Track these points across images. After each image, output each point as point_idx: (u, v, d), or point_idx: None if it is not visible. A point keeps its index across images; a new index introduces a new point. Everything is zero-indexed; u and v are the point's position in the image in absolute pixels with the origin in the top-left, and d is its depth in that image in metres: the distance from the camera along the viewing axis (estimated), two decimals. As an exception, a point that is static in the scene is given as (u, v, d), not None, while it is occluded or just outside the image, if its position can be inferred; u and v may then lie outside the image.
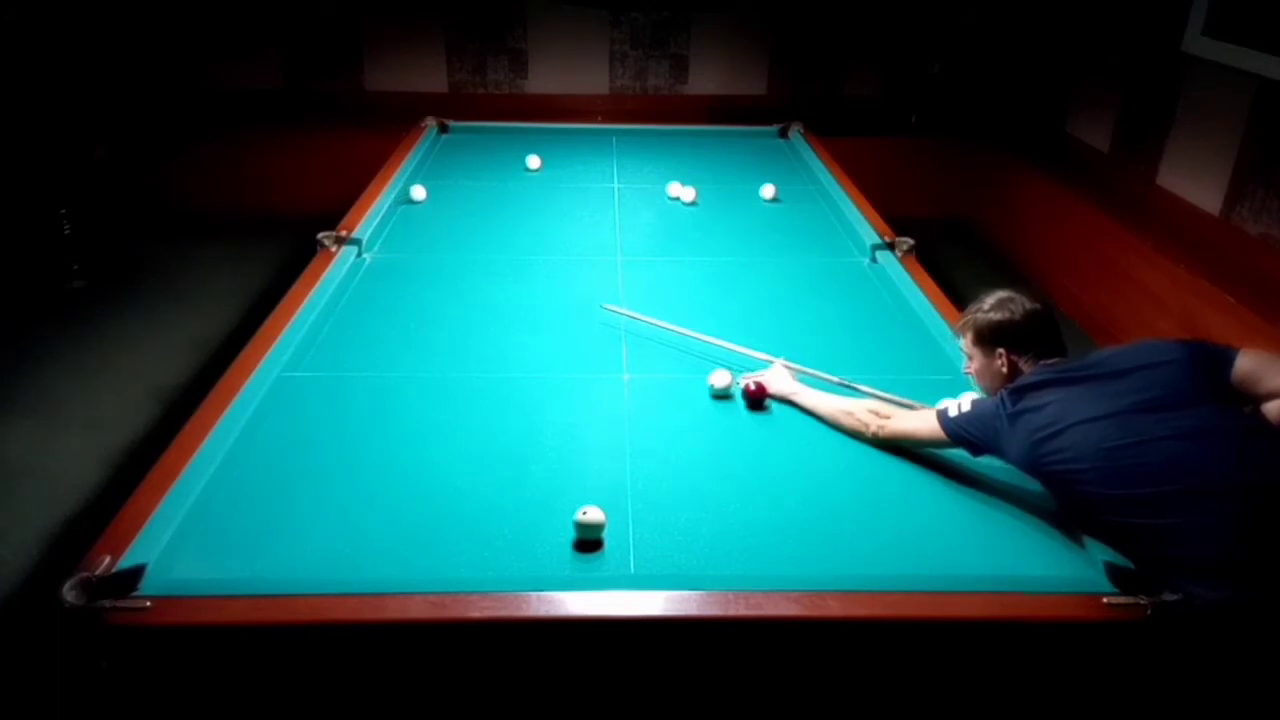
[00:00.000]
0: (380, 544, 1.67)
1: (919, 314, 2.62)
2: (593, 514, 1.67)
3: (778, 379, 2.20)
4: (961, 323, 1.96)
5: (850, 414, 2.03)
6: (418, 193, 3.42)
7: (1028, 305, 1.86)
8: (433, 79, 5.29)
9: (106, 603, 1.44)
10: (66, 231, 4.30)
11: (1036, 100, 5.10)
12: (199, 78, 5.22)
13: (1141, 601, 1.51)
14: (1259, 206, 3.50)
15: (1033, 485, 1.88)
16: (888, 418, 1.99)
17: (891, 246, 2.96)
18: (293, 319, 2.40)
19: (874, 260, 2.95)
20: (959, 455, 1.99)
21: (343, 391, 2.18)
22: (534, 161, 3.77)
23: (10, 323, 3.89)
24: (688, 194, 3.47)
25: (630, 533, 1.70)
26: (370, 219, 3.09)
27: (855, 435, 2.02)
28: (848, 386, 2.18)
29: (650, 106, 5.29)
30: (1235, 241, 3.59)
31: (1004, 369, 1.86)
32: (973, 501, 1.85)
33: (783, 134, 4.33)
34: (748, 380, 2.17)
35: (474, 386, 2.21)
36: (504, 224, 3.26)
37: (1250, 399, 1.67)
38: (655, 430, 2.05)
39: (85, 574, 1.47)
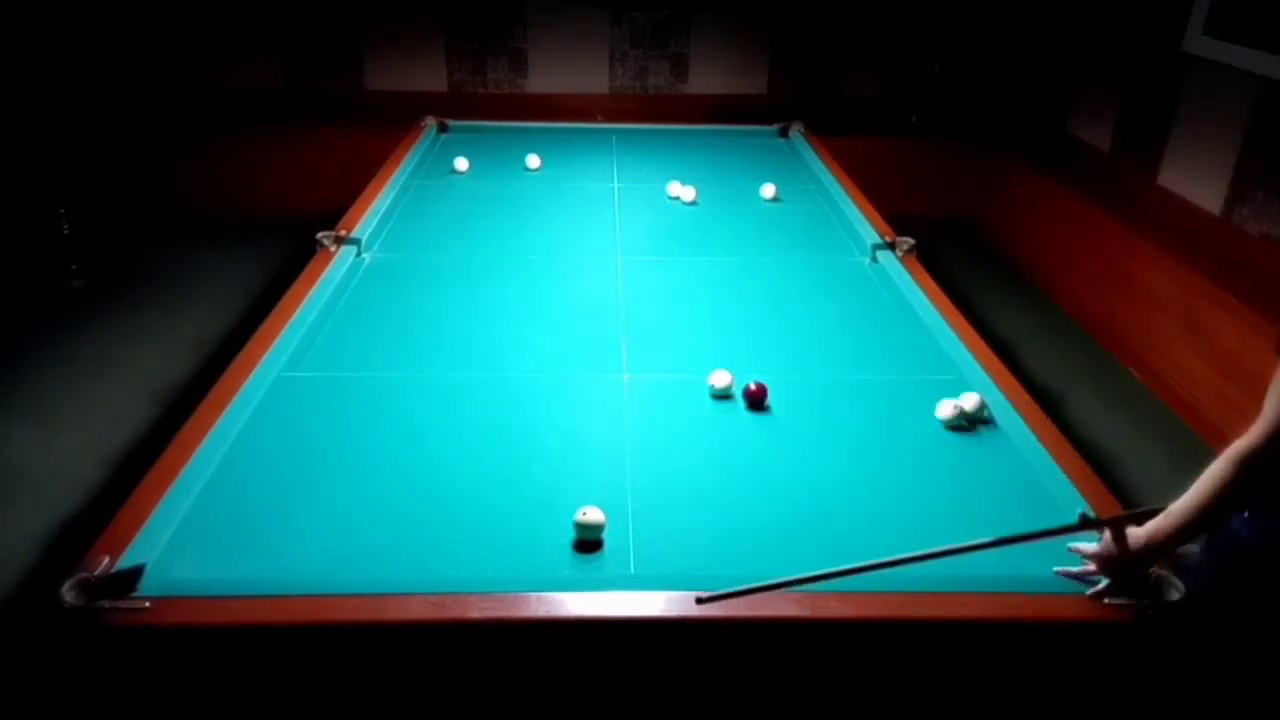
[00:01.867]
0: (380, 544, 1.67)
1: (919, 314, 2.62)
2: (592, 514, 1.66)
3: (1126, 552, 1.55)
4: None
5: (1211, 493, 1.49)
6: (460, 164, 3.67)
7: None
8: (433, 79, 5.29)
9: (106, 603, 1.44)
10: (66, 231, 4.30)
11: (1036, 100, 5.11)
12: (199, 78, 5.22)
13: (1143, 602, 1.51)
14: (1260, 206, 3.50)
15: (1033, 485, 1.87)
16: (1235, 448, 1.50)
17: (892, 246, 2.96)
18: (292, 319, 2.40)
19: (874, 260, 2.95)
20: (959, 454, 1.99)
21: (342, 391, 2.18)
22: (534, 161, 3.77)
23: (10, 323, 3.89)
24: (688, 194, 3.47)
25: (630, 533, 1.70)
26: (370, 218, 3.09)
27: (1237, 489, 1.49)
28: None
29: (650, 106, 5.29)
30: (1236, 241, 3.59)
31: None
32: (973, 501, 1.84)
33: (783, 134, 4.33)
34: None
35: (474, 386, 2.21)
36: (504, 223, 3.26)
37: None
38: (655, 430, 2.04)
39: (84, 574, 1.47)
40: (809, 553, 1.68)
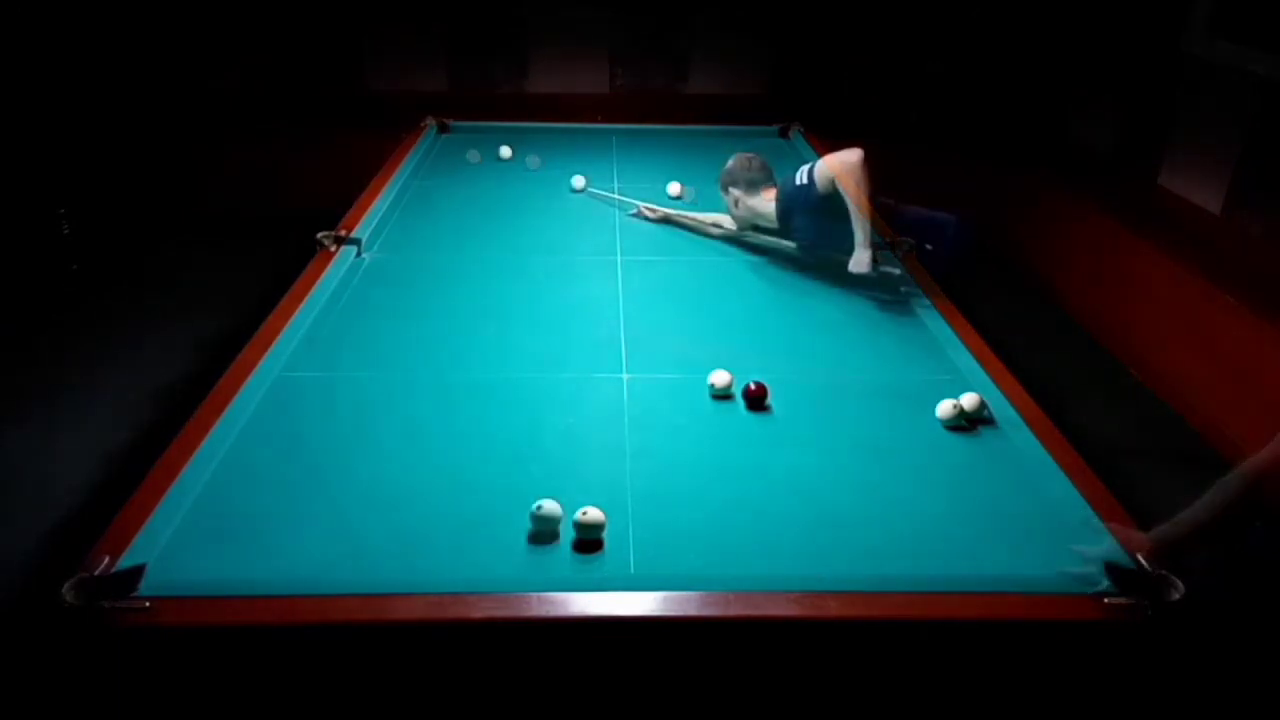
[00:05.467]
0: (380, 544, 1.67)
1: (919, 314, 2.62)
2: (593, 514, 1.66)
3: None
4: None
5: (1222, 505, 1.53)
6: (504, 151, 3.84)
7: None
8: (433, 79, 5.29)
9: (106, 603, 1.44)
10: (66, 231, 4.30)
11: (1037, 100, 5.11)
12: (200, 78, 5.22)
13: (1142, 602, 1.51)
14: (1260, 207, 3.50)
15: (1033, 485, 1.88)
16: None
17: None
18: (292, 319, 2.40)
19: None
20: (959, 454, 1.99)
21: (342, 391, 2.18)
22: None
23: (10, 323, 3.89)
24: (688, 194, 3.47)
25: (630, 533, 1.70)
26: (370, 218, 3.09)
27: (1248, 503, 1.52)
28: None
29: (650, 106, 5.29)
30: (1237, 241, 3.59)
31: None
32: (972, 501, 1.84)
33: (783, 134, 4.33)
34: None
35: (473, 386, 2.21)
36: (503, 223, 3.26)
37: None
38: (655, 430, 2.04)
39: (85, 574, 1.47)
40: (809, 552, 1.68)
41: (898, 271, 2.70)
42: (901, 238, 2.98)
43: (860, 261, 2.63)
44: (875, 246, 2.96)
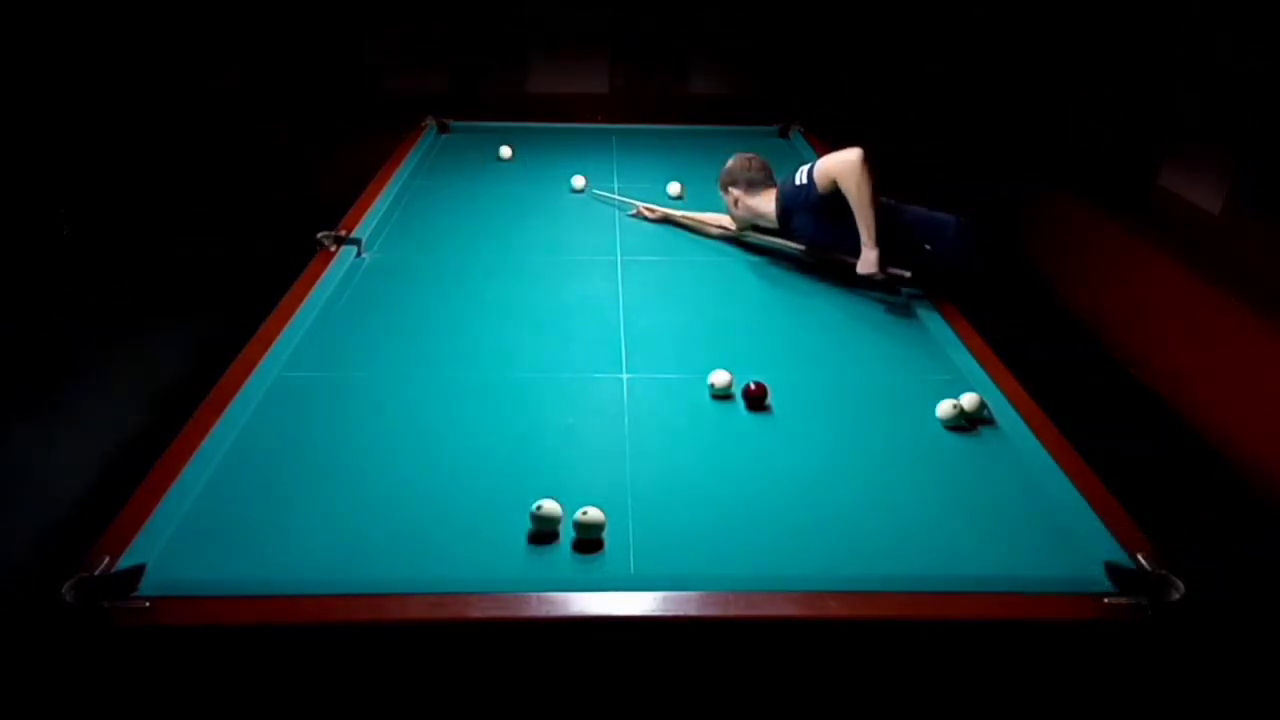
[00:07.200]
0: (380, 544, 1.67)
1: (919, 314, 2.62)
2: (592, 514, 1.67)
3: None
4: None
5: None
6: (504, 151, 3.84)
7: None
8: (434, 79, 5.29)
9: (106, 603, 1.44)
10: (66, 232, 4.30)
11: (1036, 100, 5.10)
12: (200, 77, 5.22)
13: (1142, 602, 1.51)
14: (1260, 207, 3.50)
15: (1033, 485, 1.88)
16: None
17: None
18: (292, 319, 2.40)
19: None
20: (959, 454, 1.99)
21: (342, 391, 2.18)
22: (505, 152, 3.77)
23: (10, 323, 3.89)
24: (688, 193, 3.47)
25: (630, 533, 1.70)
26: (370, 218, 3.09)
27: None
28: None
29: (650, 106, 5.29)
30: (1237, 241, 3.59)
31: None
32: (972, 501, 1.84)
33: (783, 134, 4.33)
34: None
35: (473, 386, 2.21)
36: (504, 223, 3.26)
37: None
38: (655, 430, 2.04)
39: (85, 574, 1.48)
40: (809, 552, 1.68)
41: (908, 275, 2.67)
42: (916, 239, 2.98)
43: (868, 262, 2.61)
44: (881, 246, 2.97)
